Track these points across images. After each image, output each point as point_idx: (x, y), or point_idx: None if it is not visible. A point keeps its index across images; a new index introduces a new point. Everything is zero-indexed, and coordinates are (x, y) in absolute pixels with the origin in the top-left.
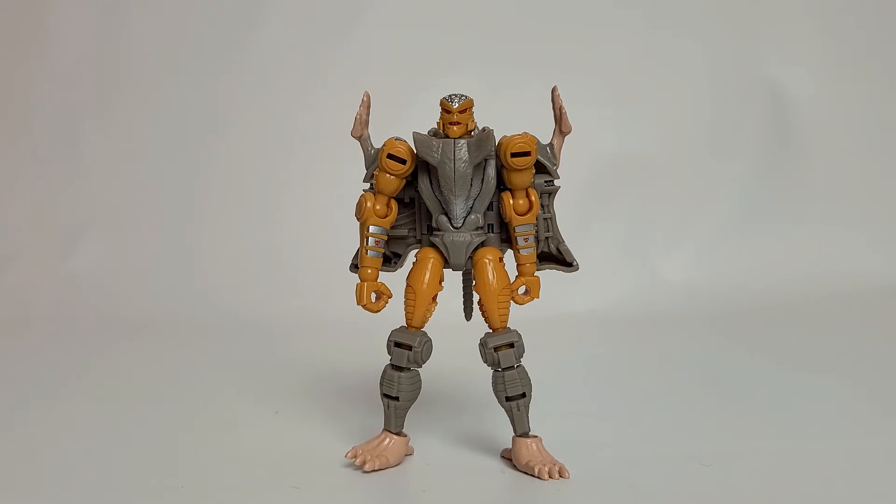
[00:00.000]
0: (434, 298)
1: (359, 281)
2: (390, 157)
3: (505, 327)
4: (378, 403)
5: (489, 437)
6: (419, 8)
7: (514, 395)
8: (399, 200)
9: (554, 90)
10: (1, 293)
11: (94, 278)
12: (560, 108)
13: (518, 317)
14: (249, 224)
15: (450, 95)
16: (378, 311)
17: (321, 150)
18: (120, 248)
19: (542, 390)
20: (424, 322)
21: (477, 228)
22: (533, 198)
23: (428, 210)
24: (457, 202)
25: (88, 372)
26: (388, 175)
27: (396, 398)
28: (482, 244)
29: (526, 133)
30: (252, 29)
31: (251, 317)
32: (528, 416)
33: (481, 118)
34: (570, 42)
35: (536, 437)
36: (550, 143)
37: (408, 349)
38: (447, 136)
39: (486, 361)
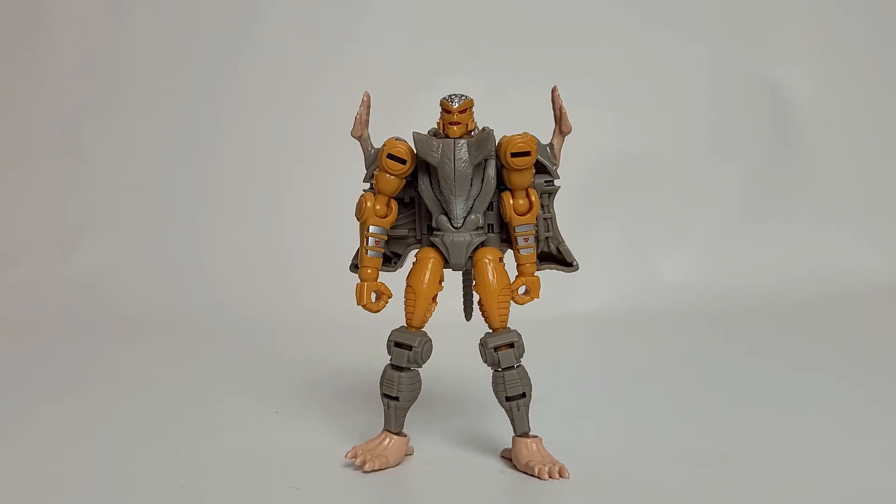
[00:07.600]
0: (434, 298)
1: (359, 281)
2: (390, 157)
3: (505, 327)
4: (378, 403)
5: (489, 437)
6: (419, 8)
7: (514, 395)
8: (399, 200)
9: (554, 90)
10: (3, 293)
11: (96, 279)
12: (560, 108)
13: (518, 317)
14: (250, 224)
15: (450, 95)
16: (378, 311)
17: (321, 150)
18: (122, 248)
19: (542, 390)
20: (424, 322)
21: (477, 228)
22: (533, 198)
23: (428, 210)
24: (457, 202)
25: (90, 372)
26: (388, 175)
27: (396, 398)
28: (482, 244)
29: (526, 133)
30: (253, 29)
31: (252, 317)
32: (528, 416)
33: (481, 118)
34: (570, 42)
35: (536, 437)
36: (550, 143)
37: (408, 349)
38: (447, 136)
39: (486, 361)
